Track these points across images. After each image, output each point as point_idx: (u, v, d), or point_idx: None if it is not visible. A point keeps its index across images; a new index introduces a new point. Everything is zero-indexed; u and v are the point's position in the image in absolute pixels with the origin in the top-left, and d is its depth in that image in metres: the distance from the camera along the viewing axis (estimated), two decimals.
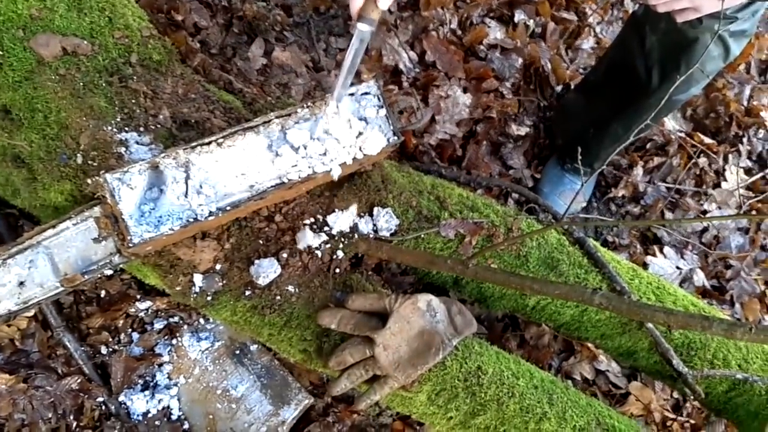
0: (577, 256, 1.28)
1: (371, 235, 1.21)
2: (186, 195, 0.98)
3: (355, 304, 1.13)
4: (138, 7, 1.32)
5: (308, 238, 1.18)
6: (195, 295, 1.17)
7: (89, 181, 1.09)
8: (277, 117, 1.05)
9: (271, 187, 1.02)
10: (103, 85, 1.18)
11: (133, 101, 1.20)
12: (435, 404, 1.13)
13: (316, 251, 1.19)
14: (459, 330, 1.13)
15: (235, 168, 1.02)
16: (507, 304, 1.32)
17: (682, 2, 1.01)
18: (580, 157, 1.63)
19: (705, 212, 1.85)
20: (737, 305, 1.79)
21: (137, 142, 1.18)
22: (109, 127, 1.15)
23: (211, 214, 0.99)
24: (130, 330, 1.34)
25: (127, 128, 1.17)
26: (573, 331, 1.32)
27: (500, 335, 1.56)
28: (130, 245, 0.95)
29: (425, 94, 1.67)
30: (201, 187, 0.99)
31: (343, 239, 1.20)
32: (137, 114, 1.19)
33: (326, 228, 1.20)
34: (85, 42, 1.20)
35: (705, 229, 1.84)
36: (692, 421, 1.61)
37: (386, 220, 1.18)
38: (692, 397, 1.18)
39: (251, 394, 1.30)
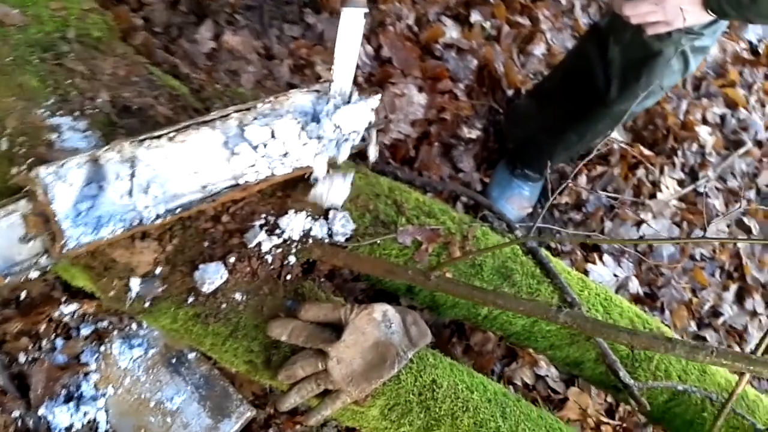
0: (530, 266, 1.28)
1: (326, 240, 1.15)
2: (130, 194, 0.88)
3: (308, 314, 1.07)
4: None
5: (258, 241, 1.10)
6: (131, 301, 1.07)
7: (14, 171, 0.97)
8: (235, 111, 0.97)
9: (226, 188, 0.94)
10: (36, 61, 1.05)
11: (69, 82, 1.07)
12: (388, 419, 1.09)
13: (267, 256, 1.11)
14: (414, 341, 1.10)
15: (186, 166, 0.93)
16: (459, 312, 1.30)
17: (656, 15, 1.02)
18: (530, 163, 1.64)
19: (641, 222, 1.92)
20: (667, 312, 1.87)
21: (71, 128, 1.06)
22: (41, 110, 1.03)
23: (158, 216, 0.90)
24: (53, 336, 1.22)
25: (60, 112, 1.05)
26: (523, 341, 1.32)
27: (447, 341, 1.55)
28: (64, 249, 0.85)
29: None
30: (148, 186, 0.90)
31: (295, 243, 1.14)
32: (72, 96, 1.07)
33: (278, 231, 1.13)
34: (16, 11, 1.06)
35: (641, 238, 1.91)
36: (624, 425, 1.67)
37: (342, 225, 1.12)
38: (636, 408, 1.21)
39: (188, 406, 1.22)
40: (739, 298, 1.99)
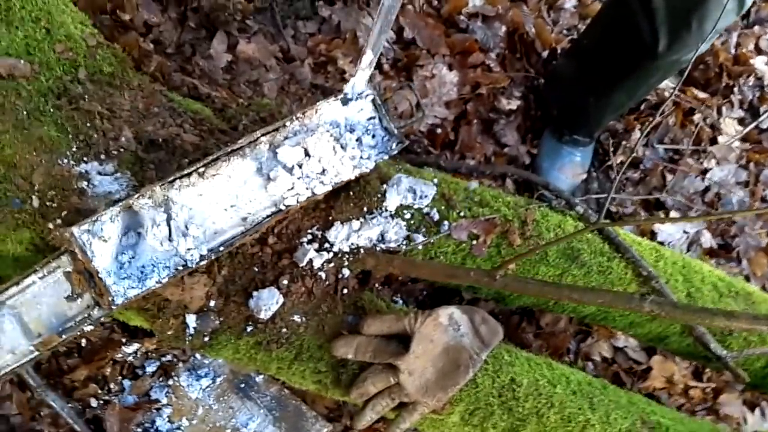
0: (597, 243, 1.20)
1: (378, 248, 1.10)
2: (170, 239, 0.84)
3: (371, 329, 1.02)
4: (77, 11, 1.14)
5: (309, 259, 1.06)
6: (190, 338, 1.05)
7: (50, 226, 0.94)
8: (263, 135, 0.91)
9: (267, 216, 0.89)
10: (51, 110, 1.02)
11: (88, 125, 1.04)
12: (469, 424, 1.04)
13: (320, 272, 1.07)
14: (486, 342, 1.04)
15: (222, 200, 0.89)
16: (527, 300, 1.23)
17: None
18: (578, 128, 1.54)
19: (706, 170, 1.78)
20: (744, 261, 1.75)
21: (100, 173, 1.02)
22: (65, 160, 1.00)
23: (202, 258, 0.86)
24: (119, 377, 1.21)
25: (85, 158, 1.02)
26: (599, 321, 1.24)
27: (516, 327, 1.48)
28: (113, 306, 0.82)
29: (408, 75, 1.54)
30: (187, 227, 0.86)
31: (347, 255, 1.08)
32: (95, 140, 1.03)
33: (326, 245, 1.08)
34: (22, 62, 1.02)
35: (707, 189, 1.78)
36: (713, 385, 1.57)
37: (395, 231, 1.06)
38: (733, 380, 1.12)
39: (264, 429, 1.20)
40: None
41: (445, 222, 1.12)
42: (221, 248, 0.88)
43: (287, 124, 0.93)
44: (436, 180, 1.18)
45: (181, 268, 0.87)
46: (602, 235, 1.20)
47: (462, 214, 1.15)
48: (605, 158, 1.75)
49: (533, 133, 1.71)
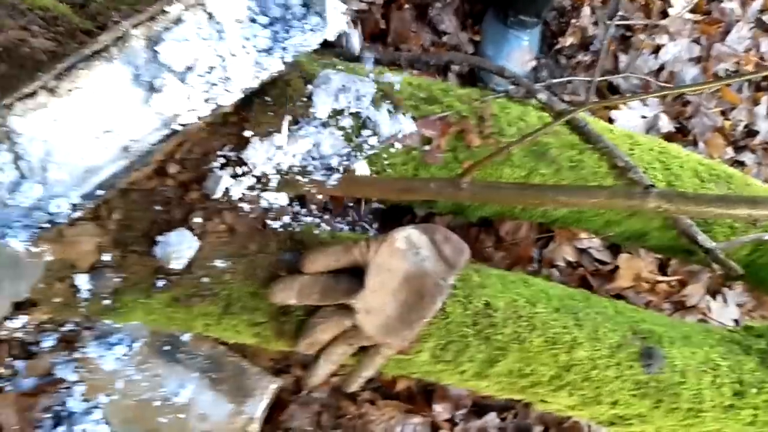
0: (565, 134, 1.03)
1: (312, 166, 0.88)
2: (21, 187, 0.60)
3: (315, 265, 0.83)
4: None
5: (224, 188, 0.84)
6: (85, 303, 0.83)
7: None
8: (134, 26, 0.65)
9: (158, 142, 0.66)
10: None
11: None
12: (442, 361, 0.89)
13: (241, 203, 0.85)
14: (452, 263, 0.87)
15: (90, 125, 0.64)
16: (490, 209, 1.07)
17: None
18: (524, 6, 1.33)
19: (658, 48, 1.64)
20: (701, 144, 1.65)
21: None
22: None
23: (75, 208, 0.62)
24: (10, 359, 0.98)
25: None
26: (571, 224, 1.10)
27: (475, 239, 1.33)
28: None
29: None
30: (44, 168, 0.61)
31: (273, 178, 0.87)
32: None
33: (245, 168, 0.86)
34: None
35: (661, 68, 1.64)
36: (678, 277, 1.51)
37: (331, 144, 0.85)
38: (721, 272, 1.02)
39: (200, 395, 1.01)
40: None
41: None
42: (99, 192, 0.65)
43: (167, 8, 0.67)
44: (372, 75, 0.96)
45: (47, 225, 0.63)
46: (570, 125, 1.03)
47: (408, 114, 0.95)
48: (553, 41, 1.57)
49: (474, 18, 1.49)
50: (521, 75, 1.45)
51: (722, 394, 0.92)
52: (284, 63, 0.73)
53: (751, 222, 0.98)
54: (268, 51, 0.73)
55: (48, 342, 1.00)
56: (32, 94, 0.63)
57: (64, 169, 0.63)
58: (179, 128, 0.68)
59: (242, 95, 0.73)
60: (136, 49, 0.67)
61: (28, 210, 0.61)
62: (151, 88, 0.68)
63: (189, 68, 0.67)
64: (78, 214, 0.64)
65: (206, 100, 0.68)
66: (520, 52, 1.44)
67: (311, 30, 0.72)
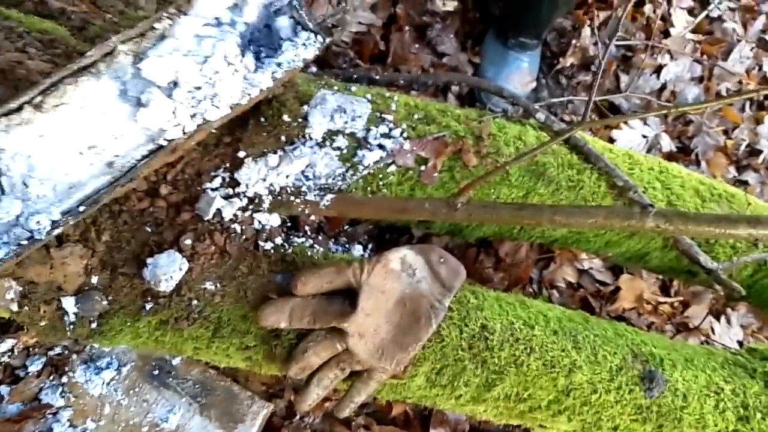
0: (564, 153, 1.02)
1: (306, 186, 0.87)
2: (1, 203, 0.59)
3: (307, 287, 0.81)
4: None
5: (216, 209, 0.82)
6: (72, 327, 0.81)
7: None
8: (122, 42, 0.65)
9: (144, 157, 0.64)
10: None
11: None
12: (437, 385, 0.87)
13: (232, 225, 0.84)
14: (448, 285, 0.85)
15: (75, 140, 0.63)
16: (488, 230, 1.05)
17: None
18: (525, 28, 1.33)
19: (660, 68, 1.63)
20: (703, 163, 1.64)
21: None
22: None
23: (55, 224, 0.61)
24: None
25: None
26: (570, 245, 1.08)
27: (474, 261, 1.31)
28: None
29: None
30: (26, 184, 0.60)
31: (266, 200, 0.85)
32: None
33: (238, 189, 0.85)
34: None
35: (663, 87, 1.63)
36: (681, 298, 1.48)
37: (326, 164, 0.84)
38: (724, 293, 1.00)
39: (189, 421, 0.98)
40: None
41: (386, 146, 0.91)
42: (81, 208, 0.63)
43: (155, 25, 0.66)
44: (369, 96, 0.96)
45: (26, 242, 0.62)
46: (569, 145, 1.02)
47: (405, 135, 0.94)
48: (554, 61, 1.56)
49: (473, 39, 1.49)
50: (521, 96, 1.45)
51: (726, 418, 0.88)
52: (274, 79, 0.72)
53: (752, 242, 0.95)
54: (258, 67, 0.73)
55: (35, 366, 0.98)
56: (18, 110, 0.62)
57: (47, 184, 0.62)
58: (164, 143, 0.67)
59: (230, 111, 0.71)
60: (123, 65, 0.67)
61: (8, 226, 0.60)
62: (138, 104, 0.67)
63: (175, 84, 0.66)
64: (58, 230, 0.63)
65: (192, 116, 0.67)
66: (520, 73, 1.44)
67: (303, 45, 0.72)
